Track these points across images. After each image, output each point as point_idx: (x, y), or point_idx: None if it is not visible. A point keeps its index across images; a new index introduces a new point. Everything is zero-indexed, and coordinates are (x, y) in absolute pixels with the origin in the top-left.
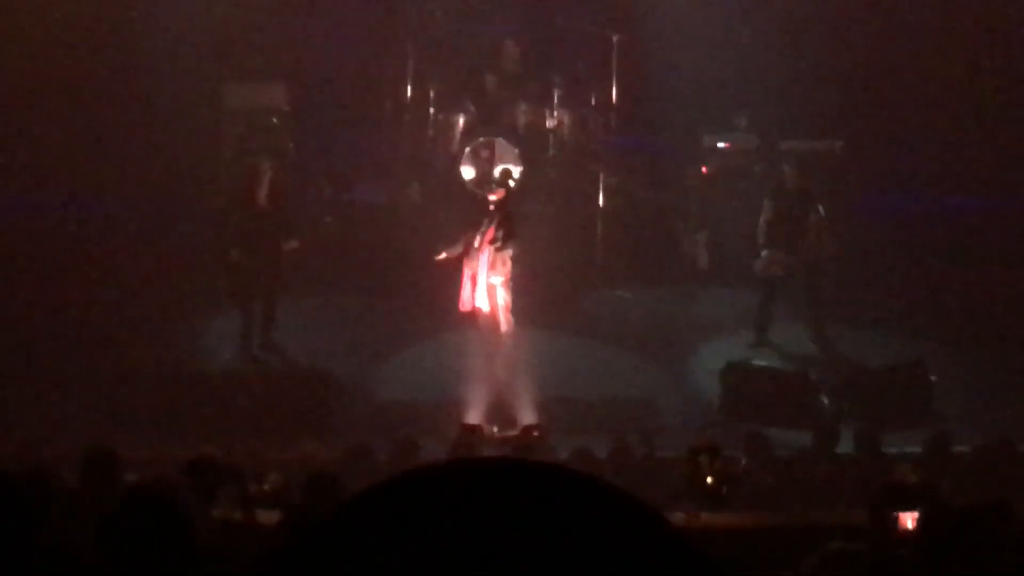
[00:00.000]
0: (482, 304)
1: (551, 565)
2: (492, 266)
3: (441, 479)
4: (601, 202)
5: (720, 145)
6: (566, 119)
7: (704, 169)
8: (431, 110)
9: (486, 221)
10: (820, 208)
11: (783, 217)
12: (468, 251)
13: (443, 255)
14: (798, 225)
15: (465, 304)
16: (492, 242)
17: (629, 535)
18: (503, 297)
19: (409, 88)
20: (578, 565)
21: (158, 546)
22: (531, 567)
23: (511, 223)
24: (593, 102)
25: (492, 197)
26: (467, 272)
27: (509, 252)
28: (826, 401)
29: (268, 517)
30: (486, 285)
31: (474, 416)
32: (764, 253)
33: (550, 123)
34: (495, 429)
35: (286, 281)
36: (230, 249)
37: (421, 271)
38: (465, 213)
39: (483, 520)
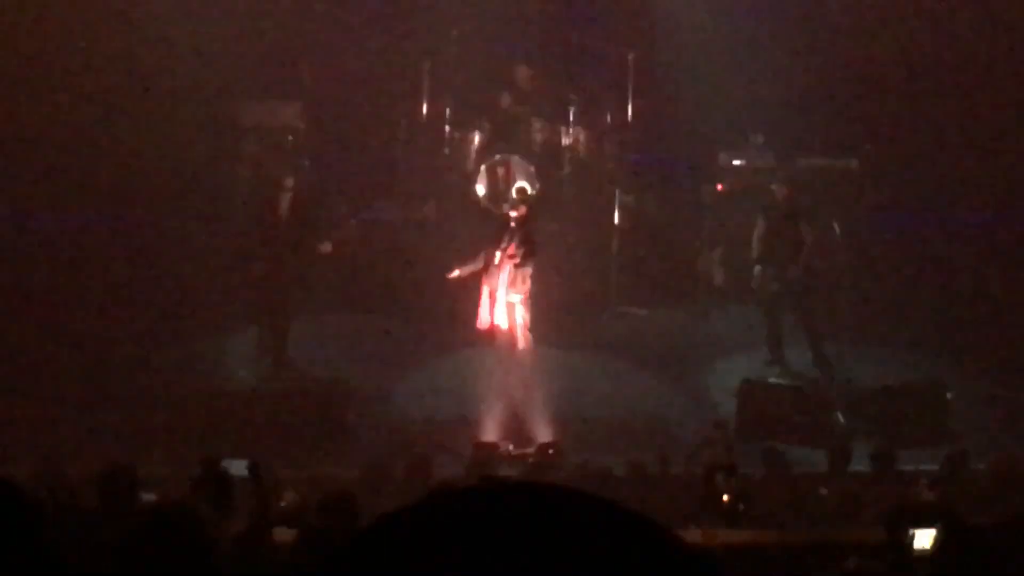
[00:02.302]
0: (500, 321)
1: None
2: (512, 283)
3: (460, 506)
4: (616, 220)
5: (736, 163)
6: (581, 137)
7: (719, 187)
8: (447, 128)
9: (507, 238)
10: (807, 226)
11: (772, 234)
12: (488, 268)
13: (456, 272)
14: (786, 243)
15: (483, 321)
16: (512, 259)
17: (649, 564)
18: (521, 315)
19: (425, 106)
20: None
21: (176, 565)
22: None
23: (532, 240)
24: (609, 120)
25: (513, 213)
26: (486, 289)
27: (529, 270)
28: (842, 419)
29: (284, 535)
30: (505, 302)
31: (490, 434)
32: (757, 269)
33: (565, 141)
34: (511, 447)
35: (303, 298)
36: (252, 263)
37: (438, 288)
38: (481, 230)
39: (506, 549)
